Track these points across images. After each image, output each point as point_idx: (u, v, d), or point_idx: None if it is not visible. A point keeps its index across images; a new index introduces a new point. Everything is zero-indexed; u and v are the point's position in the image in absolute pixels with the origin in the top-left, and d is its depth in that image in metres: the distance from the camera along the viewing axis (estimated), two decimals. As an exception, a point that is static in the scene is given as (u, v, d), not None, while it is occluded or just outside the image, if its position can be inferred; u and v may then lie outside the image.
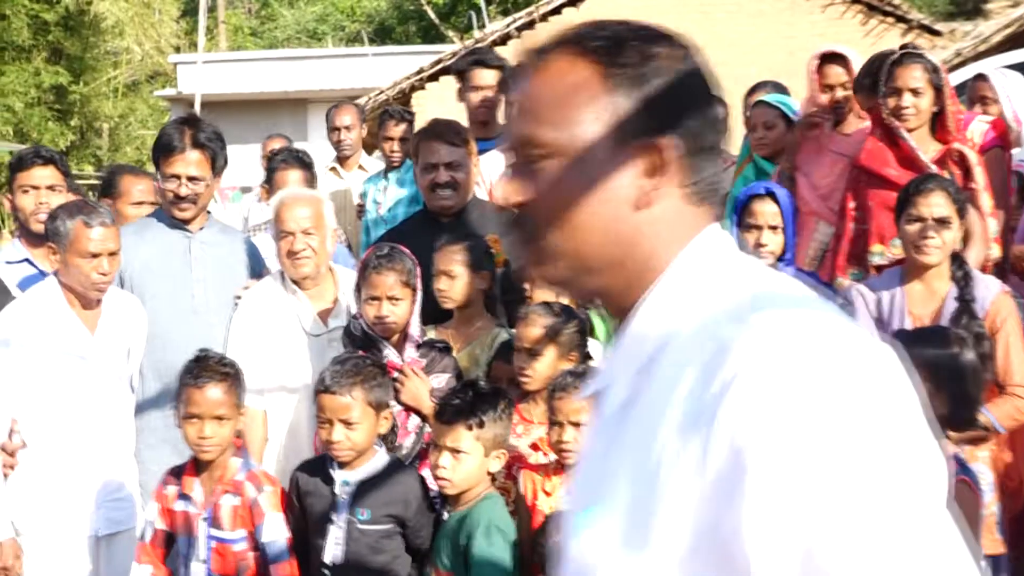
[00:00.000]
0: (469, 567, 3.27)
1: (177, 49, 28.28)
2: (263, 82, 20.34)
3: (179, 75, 21.66)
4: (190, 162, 4.35)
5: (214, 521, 3.62)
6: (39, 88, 24.88)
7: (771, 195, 4.45)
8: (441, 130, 4.68)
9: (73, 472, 4.04)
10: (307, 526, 3.61)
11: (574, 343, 3.80)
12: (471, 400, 3.38)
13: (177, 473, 3.73)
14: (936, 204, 4.05)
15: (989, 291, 4.07)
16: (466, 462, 3.34)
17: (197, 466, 3.69)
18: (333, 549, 3.50)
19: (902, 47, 5.00)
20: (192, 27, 29.12)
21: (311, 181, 5.72)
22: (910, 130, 4.68)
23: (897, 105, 4.67)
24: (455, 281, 4.14)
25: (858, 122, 5.21)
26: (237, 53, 26.08)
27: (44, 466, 4.01)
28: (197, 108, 17.86)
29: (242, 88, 20.42)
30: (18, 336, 4.02)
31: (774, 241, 4.40)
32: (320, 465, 3.64)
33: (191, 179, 4.35)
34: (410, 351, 3.99)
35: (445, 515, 3.47)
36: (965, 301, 4.02)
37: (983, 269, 4.41)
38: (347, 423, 3.49)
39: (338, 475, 3.55)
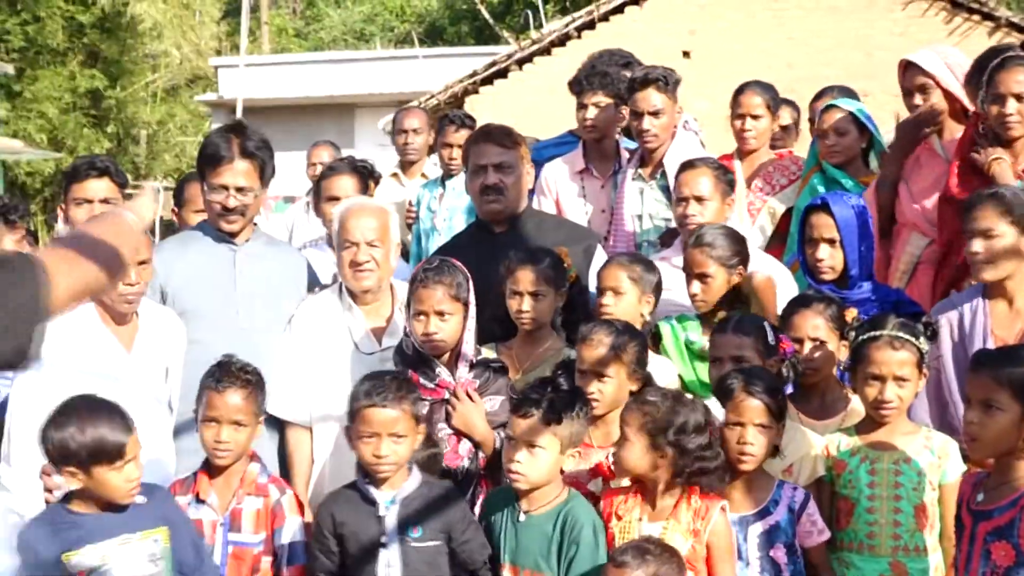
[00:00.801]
0: (572, 564, 3.42)
1: (218, 52, 28.68)
2: (308, 86, 20.53)
3: (220, 79, 21.94)
4: (238, 172, 4.37)
5: (232, 525, 3.77)
6: (74, 93, 25.23)
7: (826, 207, 4.48)
8: (491, 130, 4.76)
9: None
10: (343, 560, 3.63)
11: (637, 362, 3.87)
12: (550, 397, 3.49)
13: (184, 482, 3.86)
14: (983, 218, 4.01)
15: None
16: (542, 458, 3.47)
17: (209, 471, 3.84)
18: (387, 572, 3.55)
19: (999, 48, 4.89)
20: (234, 29, 29.47)
21: (364, 190, 5.61)
22: (1015, 139, 4.59)
23: (1000, 112, 4.56)
24: (541, 302, 4.21)
25: (959, 129, 5.04)
26: (281, 56, 26.35)
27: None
28: (239, 113, 18.08)
29: (286, 92, 20.63)
30: (49, 355, 3.99)
31: (830, 254, 4.45)
32: (353, 492, 3.67)
33: (239, 190, 4.38)
34: (463, 371, 3.98)
35: (521, 516, 3.56)
36: (1053, 319, 3.96)
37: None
38: (396, 436, 3.56)
39: (380, 496, 3.59)
